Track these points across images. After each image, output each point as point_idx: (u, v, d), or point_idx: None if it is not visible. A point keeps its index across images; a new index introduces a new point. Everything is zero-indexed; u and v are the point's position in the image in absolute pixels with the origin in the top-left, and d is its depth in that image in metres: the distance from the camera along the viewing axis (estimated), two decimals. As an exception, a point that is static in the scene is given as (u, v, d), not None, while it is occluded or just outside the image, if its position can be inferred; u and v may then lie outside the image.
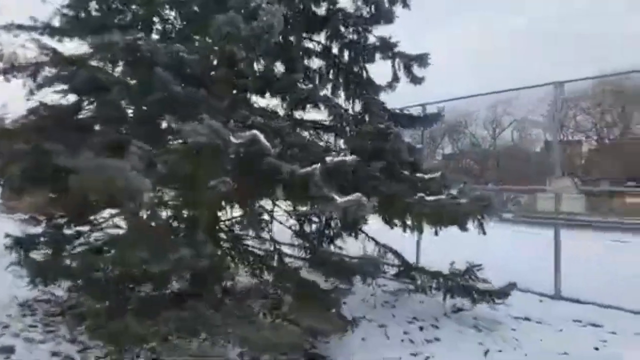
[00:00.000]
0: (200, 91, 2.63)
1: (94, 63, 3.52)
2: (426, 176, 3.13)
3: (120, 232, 2.74)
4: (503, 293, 2.97)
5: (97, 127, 3.41)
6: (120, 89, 2.88)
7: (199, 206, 2.07)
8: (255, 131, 2.04)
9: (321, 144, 3.82)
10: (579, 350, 2.56)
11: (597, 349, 2.62)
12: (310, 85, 3.84)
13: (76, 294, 3.45)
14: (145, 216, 1.90)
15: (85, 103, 3.47)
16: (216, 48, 3.05)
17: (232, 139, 2.10)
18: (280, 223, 3.11)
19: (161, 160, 1.72)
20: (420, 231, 2.87)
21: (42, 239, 3.36)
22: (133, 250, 1.64)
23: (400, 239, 3.84)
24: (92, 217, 3.56)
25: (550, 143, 21.59)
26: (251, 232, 2.61)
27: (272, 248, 2.45)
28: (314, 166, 2.30)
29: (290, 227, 3.24)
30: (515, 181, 16.28)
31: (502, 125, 21.46)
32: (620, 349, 2.59)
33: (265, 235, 2.70)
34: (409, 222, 3.04)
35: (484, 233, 2.64)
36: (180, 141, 2.07)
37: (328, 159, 2.65)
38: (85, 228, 3.60)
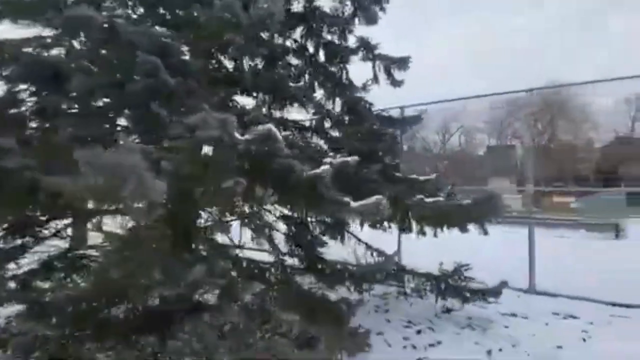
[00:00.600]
0: (189, 82, 2.32)
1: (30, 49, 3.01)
2: (421, 178, 3.11)
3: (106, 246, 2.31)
4: (495, 292, 3.04)
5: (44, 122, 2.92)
6: (82, 76, 2.45)
7: (200, 211, 1.78)
8: (270, 125, 1.82)
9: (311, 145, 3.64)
10: (570, 342, 2.69)
11: (584, 340, 2.78)
12: (301, 83, 3.64)
13: (20, 320, 2.88)
14: (145, 226, 1.58)
15: (27, 94, 2.96)
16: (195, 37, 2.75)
17: (237, 135, 1.86)
18: (277, 230, 2.88)
19: (167, 158, 1.43)
20: (423, 234, 2.82)
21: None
22: (146, 269, 1.32)
23: (378, 240, 3.80)
24: (38, 229, 3.02)
25: (492, 147, 23.59)
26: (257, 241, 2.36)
27: (274, 258, 2.22)
28: (323, 167, 2.13)
29: (288, 234, 3.01)
30: (463, 182, 17.49)
31: (451, 131, 23.15)
32: (601, 338, 2.78)
33: (265, 243, 2.46)
34: (405, 225, 2.98)
35: (486, 233, 2.67)
36: (181, 136, 1.78)
37: (327, 159, 2.49)
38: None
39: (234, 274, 1.92)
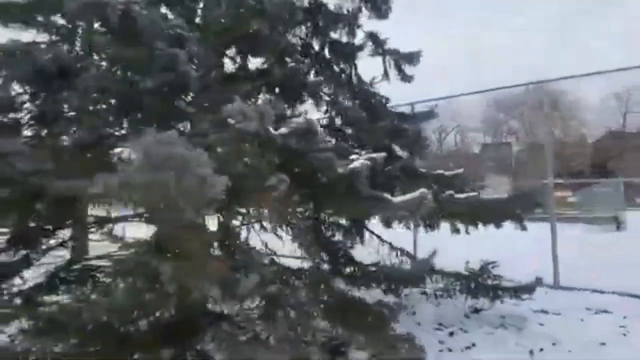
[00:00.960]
0: (207, 76, 2.17)
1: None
2: (447, 173, 2.99)
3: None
4: (529, 288, 2.93)
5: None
6: (91, 73, 2.27)
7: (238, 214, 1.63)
8: (310, 117, 1.68)
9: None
10: (611, 338, 2.59)
11: (624, 335, 2.69)
12: (320, 77, 3.50)
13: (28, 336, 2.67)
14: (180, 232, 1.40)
15: (28, 96, 2.77)
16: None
17: (271, 129, 1.72)
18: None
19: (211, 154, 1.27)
20: (457, 231, 2.69)
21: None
22: (199, 280, 1.15)
23: (392, 238, 3.68)
24: (45, 239, 2.82)
25: (487, 146, 23.75)
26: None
27: (311, 263, 2.08)
28: (361, 162, 2.00)
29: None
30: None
31: (447, 130, 23.24)
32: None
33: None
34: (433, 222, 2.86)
35: (524, 229, 2.56)
36: (206, 133, 1.62)
37: (354, 156, 2.36)
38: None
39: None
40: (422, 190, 1.85)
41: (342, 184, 1.97)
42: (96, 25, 1.95)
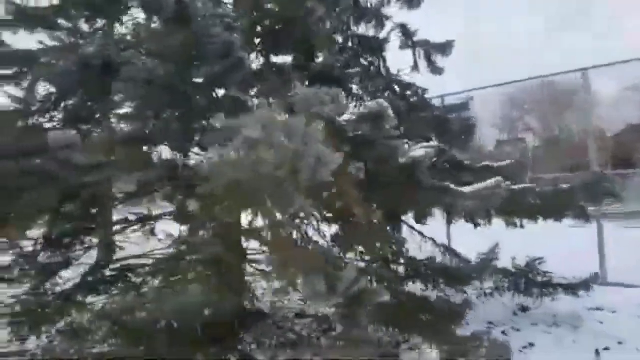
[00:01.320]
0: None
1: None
2: (495, 165, 2.86)
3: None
4: (585, 285, 2.78)
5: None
6: (134, 65, 2.20)
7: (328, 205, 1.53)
8: (382, 101, 1.57)
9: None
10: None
11: (695, 333, 2.53)
12: (357, 69, 3.39)
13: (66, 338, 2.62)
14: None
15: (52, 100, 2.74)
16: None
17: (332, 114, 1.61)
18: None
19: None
20: (514, 225, 2.55)
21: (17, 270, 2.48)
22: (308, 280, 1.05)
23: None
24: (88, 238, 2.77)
25: (501, 142, 23.30)
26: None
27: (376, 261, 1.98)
28: (425, 151, 1.89)
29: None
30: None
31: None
32: None
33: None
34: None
35: (588, 222, 2.41)
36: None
37: (405, 147, 2.25)
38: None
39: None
40: (497, 178, 1.73)
41: (403, 174, 1.86)
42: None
